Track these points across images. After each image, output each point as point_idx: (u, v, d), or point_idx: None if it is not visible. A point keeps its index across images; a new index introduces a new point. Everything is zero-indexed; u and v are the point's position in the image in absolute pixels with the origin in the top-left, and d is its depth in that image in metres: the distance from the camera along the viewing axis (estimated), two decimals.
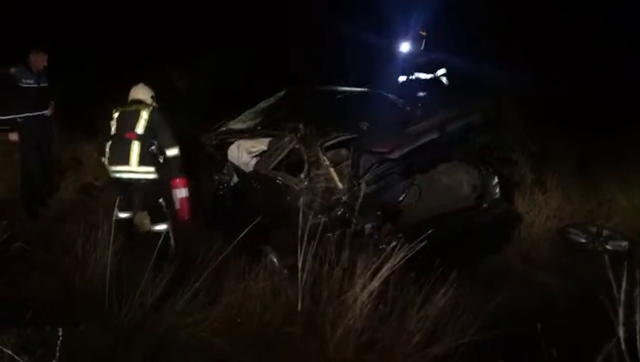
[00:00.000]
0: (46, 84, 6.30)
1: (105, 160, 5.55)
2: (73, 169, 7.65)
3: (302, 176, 4.71)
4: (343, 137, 4.99)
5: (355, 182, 4.47)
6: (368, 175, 4.50)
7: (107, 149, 5.55)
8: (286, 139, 5.20)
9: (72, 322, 3.37)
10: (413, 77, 7.53)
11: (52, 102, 6.32)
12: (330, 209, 4.48)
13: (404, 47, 7.60)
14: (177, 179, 5.52)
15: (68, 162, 7.81)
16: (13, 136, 6.16)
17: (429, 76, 7.44)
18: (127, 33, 7.92)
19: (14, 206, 6.24)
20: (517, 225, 5.17)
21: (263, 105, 6.31)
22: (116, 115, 5.59)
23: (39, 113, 6.19)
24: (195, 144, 6.36)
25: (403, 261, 3.28)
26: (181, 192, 5.54)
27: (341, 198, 4.48)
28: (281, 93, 6.30)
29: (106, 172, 7.38)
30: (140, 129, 5.41)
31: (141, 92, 5.70)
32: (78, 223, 5.54)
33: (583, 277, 4.68)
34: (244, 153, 5.95)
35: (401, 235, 3.73)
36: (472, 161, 4.89)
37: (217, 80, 8.64)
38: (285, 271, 4.67)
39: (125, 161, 5.40)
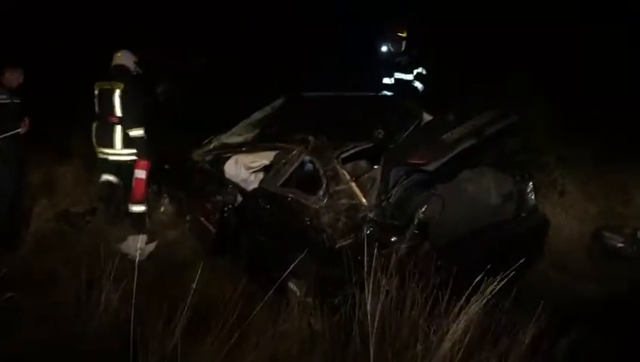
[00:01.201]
0: (19, 100, 5.67)
1: (93, 140, 5.94)
2: (45, 194, 6.98)
3: (320, 193, 4.24)
4: (360, 147, 4.55)
5: (383, 198, 4.02)
6: (397, 188, 4.06)
7: (93, 130, 5.93)
8: (294, 152, 4.73)
9: None
10: (392, 79, 7.19)
11: (25, 119, 5.68)
12: (357, 228, 4.03)
13: (384, 47, 7.27)
14: (140, 161, 5.77)
15: (39, 186, 7.13)
16: None
17: (409, 77, 7.11)
18: (100, 38, 7.30)
19: None
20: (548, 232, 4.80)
21: (258, 115, 5.78)
22: (96, 92, 5.87)
23: (15, 132, 5.55)
24: (185, 160, 5.84)
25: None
26: (139, 173, 5.80)
27: (367, 216, 4.03)
28: (278, 103, 5.78)
29: (82, 196, 6.96)
30: (119, 111, 5.71)
31: (123, 57, 5.87)
32: (66, 258, 5.05)
33: (625, 285, 4.35)
34: (242, 169, 5.44)
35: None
36: (502, 167, 4.50)
37: (201, 89, 8.10)
38: (309, 299, 4.22)
39: (110, 144, 5.79)
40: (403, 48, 7.13)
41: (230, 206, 4.86)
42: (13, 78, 5.58)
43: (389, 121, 4.83)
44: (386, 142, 4.60)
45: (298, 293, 4.36)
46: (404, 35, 7.08)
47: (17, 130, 5.58)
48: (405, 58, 7.12)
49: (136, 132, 5.66)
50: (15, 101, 5.65)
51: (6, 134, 5.45)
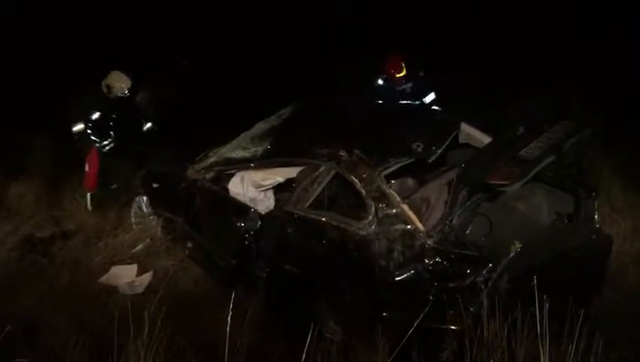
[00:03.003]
0: None
1: None
2: (3, 217, 6.03)
3: (369, 218, 3.66)
4: (402, 163, 4.01)
5: (447, 222, 3.52)
6: (460, 210, 3.57)
7: None
8: (322, 169, 4.13)
9: None
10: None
11: None
12: (416, 259, 3.50)
13: (380, 81, 6.58)
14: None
15: None
16: None
17: (416, 102, 6.51)
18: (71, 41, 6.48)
19: None
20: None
21: (263, 126, 5.17)
22: None
23: None
24: (179, 178, 5.12)
25: None
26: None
27: (426, 243, 3.51)
28: (287, 111, 5.19)
29: (48, 218, 6.08)
30: None
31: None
32: (49, 299, 4.26)
33: None
34: (250, 187, 4.78)
35: None
36: (560, 183, 4.08)
37: (185, 97, 7.32)
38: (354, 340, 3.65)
39: None
40: (402, 76, 6.42)
41: (251, 233, 4.21)
42: None
43: (422, 133, 4.30)
44: (425, 156, 4.10)
45: (340, 333, 3.80)
46: (402, 74, 6.35)
47: None
48: (409, 85, 6.44)
49: (73, 127, 6.20)
50: None
51: None
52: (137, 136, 6.40)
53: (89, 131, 6.22)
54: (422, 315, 3.11)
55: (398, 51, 6.50)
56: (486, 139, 4.37)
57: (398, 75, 6.36)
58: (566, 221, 4.06)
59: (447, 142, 4.27)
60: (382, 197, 3.72)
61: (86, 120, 6.20)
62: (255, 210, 4.31)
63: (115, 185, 6.56)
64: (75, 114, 6.22)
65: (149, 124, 6.49)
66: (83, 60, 7.67)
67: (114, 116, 6.29)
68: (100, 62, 6.18)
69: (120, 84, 6.14)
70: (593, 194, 3.99)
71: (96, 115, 6.22)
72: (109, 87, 6.13)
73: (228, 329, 2.27)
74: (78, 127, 6.17)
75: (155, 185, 5.43)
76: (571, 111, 4.12)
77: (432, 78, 6.55)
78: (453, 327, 3.26)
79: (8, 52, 8.56)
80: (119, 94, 6.17)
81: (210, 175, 4.96)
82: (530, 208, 4.21)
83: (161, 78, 7.29)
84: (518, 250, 3.18)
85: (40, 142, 7.12)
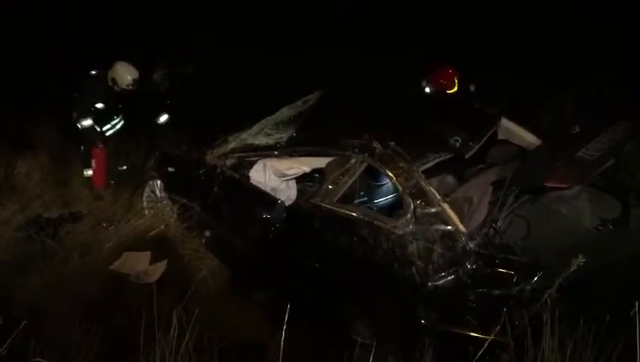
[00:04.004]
0: None
1: None
2: (8, 196, 5.78)
3: (408, 216, 3.42)
4: (440, 158, 3.77)
5: (492, 224, 3.28)
6: (505, 213, 3.34)
7: None
8: (352, 161, 3.89)
9: None
10: None
11: None
12: (457, 263, 3.26)
13: (427, 89, 6.21)
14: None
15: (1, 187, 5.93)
16: None
17: None
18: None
19: None
20: None
21: (288, 112, 4.91)
22: None
23: None
24: (196, 163, 4.87)
25: None
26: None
27: (467, 246, 3.27)
28: (313, 97, 4.93)
29: (55, 198, 5.84)
30: None
31: None
32: (58, 285, 4.02)
33: None
34: (272, 175, 4.53)
35: None
36: (607, 186, 3.84)
37: (205, 77, 7.03)
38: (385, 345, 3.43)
39: None
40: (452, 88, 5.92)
41: (277, 225, 3.97)
42: None
43: (460, 127, 4.05)
44: (462, 152, 3.86)
45: (370, 337, 3.57)
46: (453, 90, 5.78)
47: None
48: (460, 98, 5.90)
49: (80, 123, 5.85)
50: None
51: None
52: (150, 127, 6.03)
53: (96, 126, 5.88)
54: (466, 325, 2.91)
55: (452, 65, 6.04)
56: (527, 136, 4.13)
57: (449, 91, 5.98)
58: (611, 227, 3.81)
59: (486, 137, 4.03)
60: (420, 194, 3.47)
61: (92, 111, 5.82)
62: (282, 202, 4.07)
63: (125, 167, 6.35)
64: (82, 108, 5.82)
65: (165, 116, 6.03)
66: (94, 36, 7.30)
67: (120, 107, 5.97)
68: (114, 40, 5.74)
69: (125, 75, 5.71)
70: None
71: (100, 105, 5.83)
72: (113, 79, 5.72)
73: (282, 344, 1.98)
74: (87, 122, 5.80)
75: (170, 169, 5.16)
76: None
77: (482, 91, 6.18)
78: (496, 339, 3.04)
79: (12, 33, 8.29)
80: (125, 87, 5.75)
81: (230, 161, 4.71)
82: (573, 211, 3.95)
83: (181, 56, 6.97)
84: (581, 264, 2.91)
85: (45, 120, 6.84)
